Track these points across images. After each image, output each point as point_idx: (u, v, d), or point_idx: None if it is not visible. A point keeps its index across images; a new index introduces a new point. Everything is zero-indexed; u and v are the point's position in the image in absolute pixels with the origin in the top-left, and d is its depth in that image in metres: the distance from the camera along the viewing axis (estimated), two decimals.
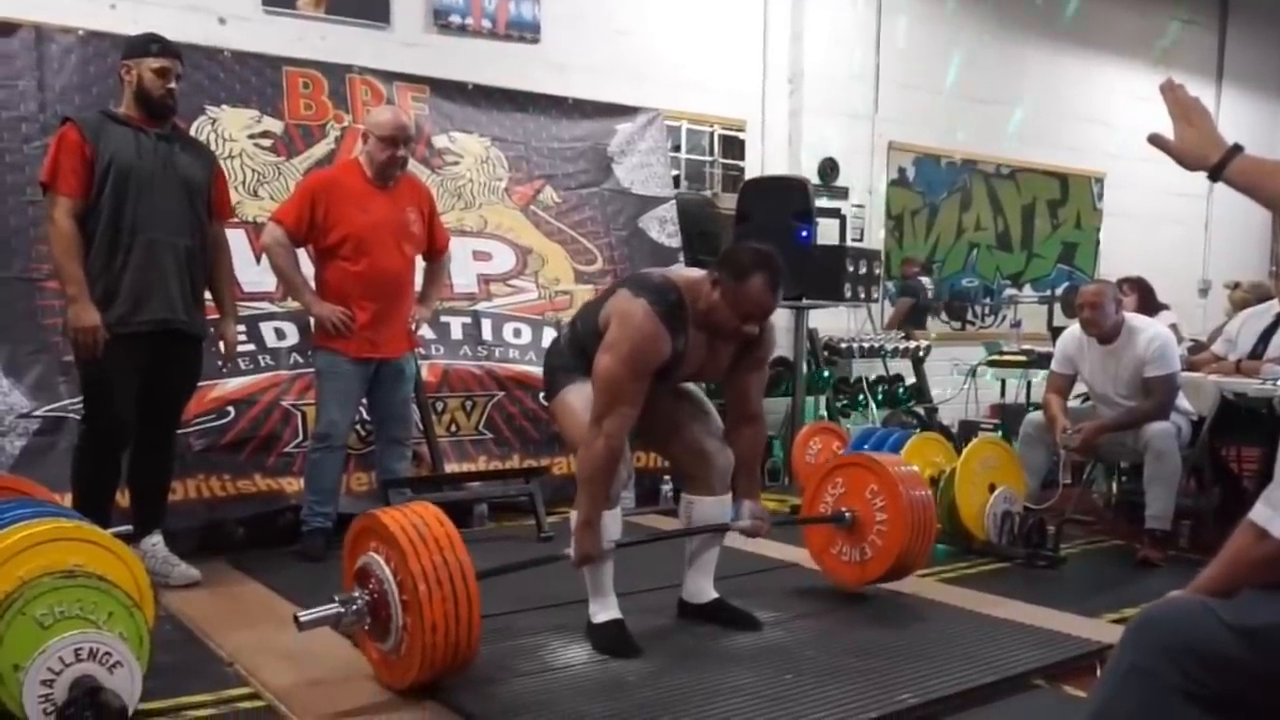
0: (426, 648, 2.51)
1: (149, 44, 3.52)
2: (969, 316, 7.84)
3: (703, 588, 3.26)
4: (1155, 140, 1.78)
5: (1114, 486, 5.21)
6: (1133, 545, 4.30)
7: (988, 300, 7.89)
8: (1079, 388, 4.74)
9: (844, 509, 3.54)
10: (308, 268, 4.09)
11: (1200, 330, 7.07)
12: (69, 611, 2.34)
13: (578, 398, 3.00)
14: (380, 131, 3.97)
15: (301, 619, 2.63)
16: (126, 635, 2.40)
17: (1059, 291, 7.25)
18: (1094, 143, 8.19)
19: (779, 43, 6.38)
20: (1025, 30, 7.58)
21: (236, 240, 4.06)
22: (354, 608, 2.63)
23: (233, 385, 4.22)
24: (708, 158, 6.29)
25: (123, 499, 3.64)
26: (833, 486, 3.62)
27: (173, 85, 3.51)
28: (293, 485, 4.20)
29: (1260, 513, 1.49)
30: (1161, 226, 8.55)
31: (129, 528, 3.59)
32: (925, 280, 7.43)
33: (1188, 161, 1.74)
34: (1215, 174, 1.70)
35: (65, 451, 3.73)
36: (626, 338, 2.82)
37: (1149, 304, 5.70)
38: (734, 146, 6.39)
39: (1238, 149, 1.69)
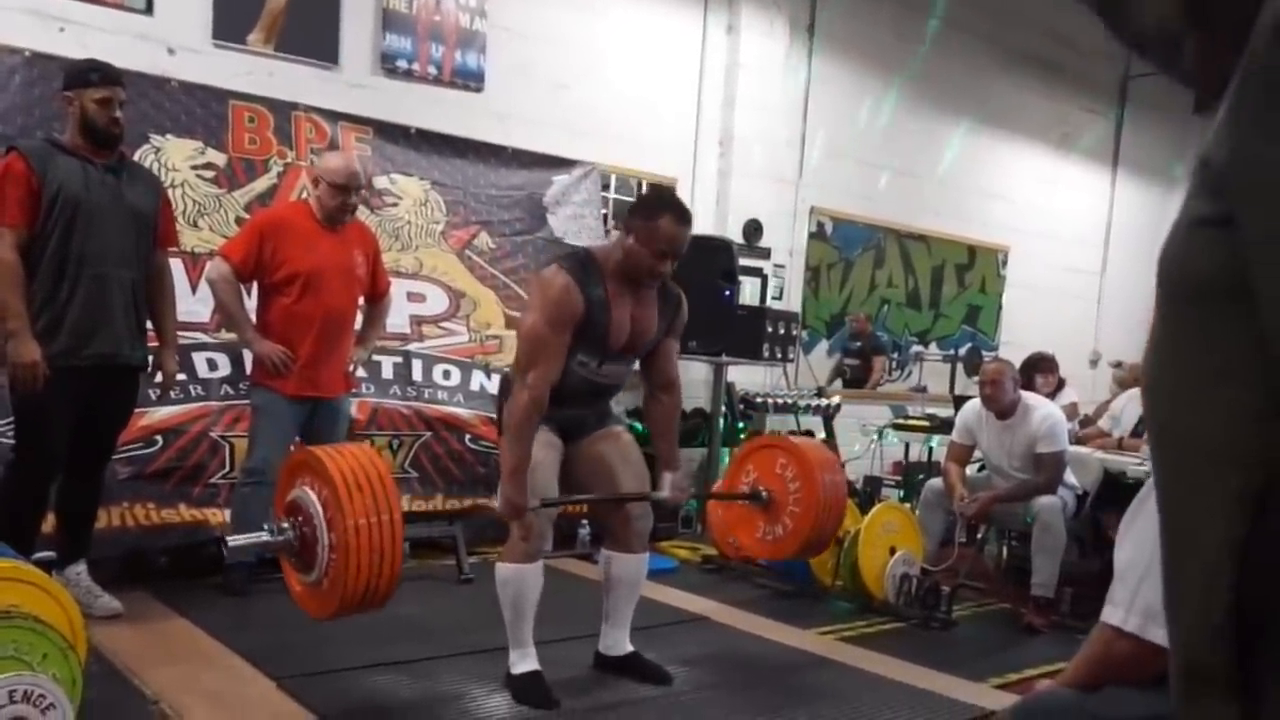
0: (350, 581, 2.66)
1: (89, 73, 3.48)
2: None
3: (619, 641, 3.41)
4: None
5: (1004, 551, 5.53)
6: (1019, 609, 4.59)
7: (896, 355, 8.23)
8: (977, 454, 5.05)
9: (760, 488, 3.69)
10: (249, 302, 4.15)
11: (1089, 399, 7.49)
12: (3, 653, 2.35)
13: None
14: (332, 179, 4.04)
15: (230, 543, 2.85)
16: (60, 677, 2.42)
17: (962, 352, 7.63)
18: (998, 218, 8.60)
19: (712, 107, 6.60)
20: (941, 108, 7.98)
21: (174, 270, 4.07)
22: (282, 537, 2.78)
23: (162, 414, 4.24)
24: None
25: (46, 525, 3.61)
26: (746, 474, 3.83)
27: (117, 114, 3.48)
28: (217, 516, 4.23)
29: (1110, 613, 1.64)
30: (1059, 300, 9.03)
31: (52, 554, 3.60)
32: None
33: None
34: None
35: None
36: (540, 293, 3.07)
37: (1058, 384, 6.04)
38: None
39: None
